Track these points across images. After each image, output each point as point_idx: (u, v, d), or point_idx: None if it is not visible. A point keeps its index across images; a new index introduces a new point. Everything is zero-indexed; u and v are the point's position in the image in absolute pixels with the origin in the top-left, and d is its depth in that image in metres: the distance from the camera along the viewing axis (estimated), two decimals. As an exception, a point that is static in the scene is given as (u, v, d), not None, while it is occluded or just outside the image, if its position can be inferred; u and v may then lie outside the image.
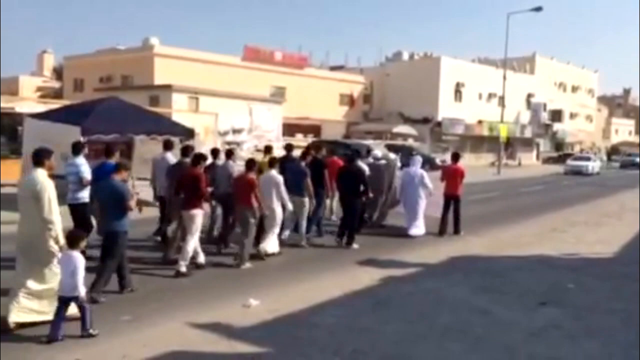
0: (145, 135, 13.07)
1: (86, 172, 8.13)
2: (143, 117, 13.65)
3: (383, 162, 12.54)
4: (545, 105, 56.19)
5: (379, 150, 14.82)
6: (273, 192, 8.96)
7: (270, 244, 9.11)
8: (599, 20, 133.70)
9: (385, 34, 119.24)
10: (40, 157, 5.55)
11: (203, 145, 21.66)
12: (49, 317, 5.38)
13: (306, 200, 9.93)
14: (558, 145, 60.00)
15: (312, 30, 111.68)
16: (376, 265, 8.78)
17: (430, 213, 11.74)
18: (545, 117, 56.46)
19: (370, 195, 10.66)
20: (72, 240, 5.45)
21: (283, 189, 9.04)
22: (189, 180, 7.93)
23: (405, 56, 52.13)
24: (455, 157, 12.36)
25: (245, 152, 24.49)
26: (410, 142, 38.73)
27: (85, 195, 8.15)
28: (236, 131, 26.78)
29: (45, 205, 5.38)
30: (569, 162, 40.20)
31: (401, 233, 11.49)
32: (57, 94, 42.33)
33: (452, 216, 11.77)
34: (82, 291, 5.35)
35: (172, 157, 9.48)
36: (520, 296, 7.28)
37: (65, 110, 13.74)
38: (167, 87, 26.77)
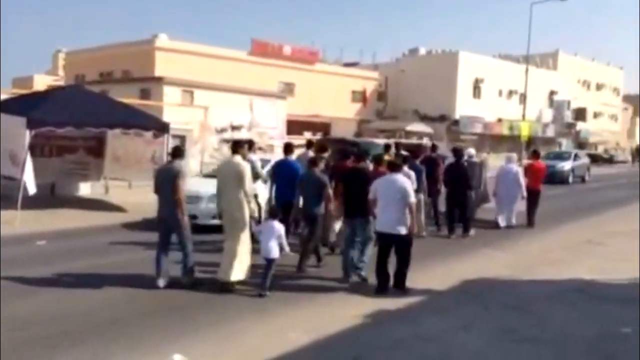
0: (107, 129, 11.27)
1: (259, 167, 9.25)
2: (109, 108, 11.85)
3: (476, 159, 12.93)
4: (569, 103, 53.51)
5: (472, 149, 13.85)
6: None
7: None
8: (624, 14, 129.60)
9: (401, 30, 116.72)
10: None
11: (195, 144, 19.93)
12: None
13: (421, 196, 10.36)
14: (581, 145, 57.06)
15: (326, 26, 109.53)
16: (368, 294, 6.82)
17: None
18: (568, 115, 53.77)
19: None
20: (272, 213, 7.08)
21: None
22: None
23: (423, 52, 49.85)
24: (536, 154, 13.53)
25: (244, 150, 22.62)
26: (425, 140, 36.51)
27: (255, 186, 8.27)
28: (235, 128, 24.85)
29: None
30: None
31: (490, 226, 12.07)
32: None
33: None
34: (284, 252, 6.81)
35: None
36: (562, 347, 5.26)
37: (17, 100, 12.02)
38: (159, 80, 24.96)
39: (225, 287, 6.68)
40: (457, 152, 11.78)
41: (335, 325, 5.61)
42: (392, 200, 6.68)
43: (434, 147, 13.07)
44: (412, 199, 6.75)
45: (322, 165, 8.15)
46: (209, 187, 9.82)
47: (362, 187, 7.13)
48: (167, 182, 6.79)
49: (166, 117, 16.56)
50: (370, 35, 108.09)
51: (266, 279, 6.58)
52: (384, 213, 6.76)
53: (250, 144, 9.72)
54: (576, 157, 27.57)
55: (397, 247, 6.84)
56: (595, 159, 49.96)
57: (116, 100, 13.14)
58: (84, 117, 10.89)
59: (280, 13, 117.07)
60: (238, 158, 7.01)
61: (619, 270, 8.49)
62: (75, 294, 6.56)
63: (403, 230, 6.71)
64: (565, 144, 55.21)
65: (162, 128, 11.96)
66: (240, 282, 6.83)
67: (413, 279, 7.39)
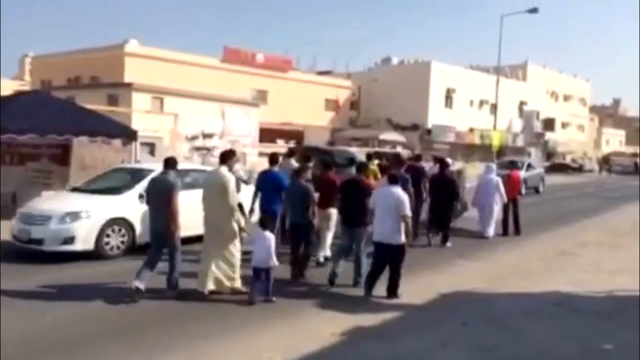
0: (72, 136, 10.84)
1: (244, 176, 9.26)
2: (74, 115, 11.43)
3: (453, 169, 12.95)
4: (538, 113, 54.48)
5: (449, 159, 13.72)
6: None
7: None
8: (590, 28, 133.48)
9: (375, 40, 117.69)
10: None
11: (165, 152, 19.46)
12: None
13: None
14: (549, 155, 58.31)
15: (300, 35, 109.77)
16: (343, 309, 6.58)
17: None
18: (537, 125, 54.73)
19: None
20: (264, 223, 7.05)
21: None
22: (326, 183, 8.63)
23: (395, 61, 50.19)
24: (513, 164, 15.25)
25: (216, 159, 22.32)
26: (398, 149, 36.66)
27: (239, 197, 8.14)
28: (207, 136, 24.46)
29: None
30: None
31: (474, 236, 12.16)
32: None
33: (511, 218, 12.85)
34: (273, 263, 6.72)
35: (295, 163, 9.84)
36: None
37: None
38: (127, 86, 24.39)
39: (206, 296, 6.71)
40: (443, 162, 11.75)
41: (311, 344, 5.37)
42: (388, 211, 6.95)
43: (418, 157, 12.99)
44: (407, 212, 6.93)
45: (308, 174, 8.31)
46: (63, 204, 8.81)
47: (360, 197, 7.43)
48: (160, 194, 6.72)
49: (135, 125, 16.17)
50: (343, 44, 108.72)
51: (269, 286, 6.66)
52: (381, 224, 7.03)
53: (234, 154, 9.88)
54: (529, 166, 25.90)
55: (392, 256, 7.07)
56: (564, 168, 51.08)
57: (83, 106, 12.72)
58: (47, 124, 10.48)
59: (254, 21, 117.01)
60: (224, 169, 6.92)
61: (594, 282, 8.47)
62: (36, 311, 6.17)
63: (399, 240, 6.96)
64: (535, 154, 56.18)
65: (130, 135, 11.60)
66: (219, 294, 6.74)
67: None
